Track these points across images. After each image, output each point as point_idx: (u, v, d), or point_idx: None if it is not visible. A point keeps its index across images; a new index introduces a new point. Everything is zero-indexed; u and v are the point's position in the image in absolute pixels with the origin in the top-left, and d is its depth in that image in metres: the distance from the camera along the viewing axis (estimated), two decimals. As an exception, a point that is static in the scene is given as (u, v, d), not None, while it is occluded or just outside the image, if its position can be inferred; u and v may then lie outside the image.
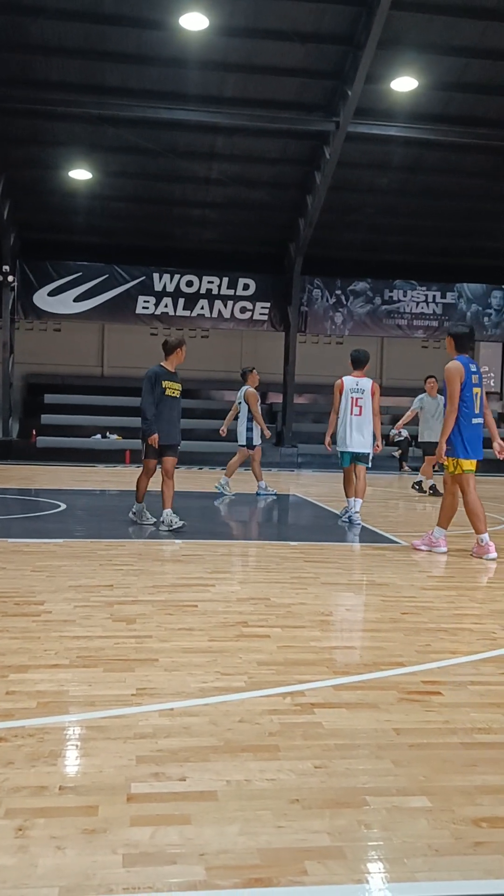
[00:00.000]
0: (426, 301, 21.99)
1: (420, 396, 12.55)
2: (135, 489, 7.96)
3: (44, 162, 18.19)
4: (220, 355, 23.28)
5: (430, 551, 6.74)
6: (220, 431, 12.32)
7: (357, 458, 8.65)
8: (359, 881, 1.84)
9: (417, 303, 21.95)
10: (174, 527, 7.47)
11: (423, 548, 6.77)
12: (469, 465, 6.59)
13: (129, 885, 1.79)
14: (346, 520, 8.67)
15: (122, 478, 15.38)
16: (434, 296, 22.00)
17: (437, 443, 11.43)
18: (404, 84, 15.72)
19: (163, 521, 7.57)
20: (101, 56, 15.34)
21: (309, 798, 2.23)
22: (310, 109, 16.63)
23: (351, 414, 8.56)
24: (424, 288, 21.94)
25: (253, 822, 2.09)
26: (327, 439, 8.96)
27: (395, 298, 21.80)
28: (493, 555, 6.50)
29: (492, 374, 24.80)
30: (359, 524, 8.45)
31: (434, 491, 12.28)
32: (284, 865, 1.88)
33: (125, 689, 3.08)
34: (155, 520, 7.71)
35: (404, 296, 21.88)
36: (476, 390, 6.60)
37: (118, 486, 13.29)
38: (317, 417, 22.91)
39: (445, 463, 6.69)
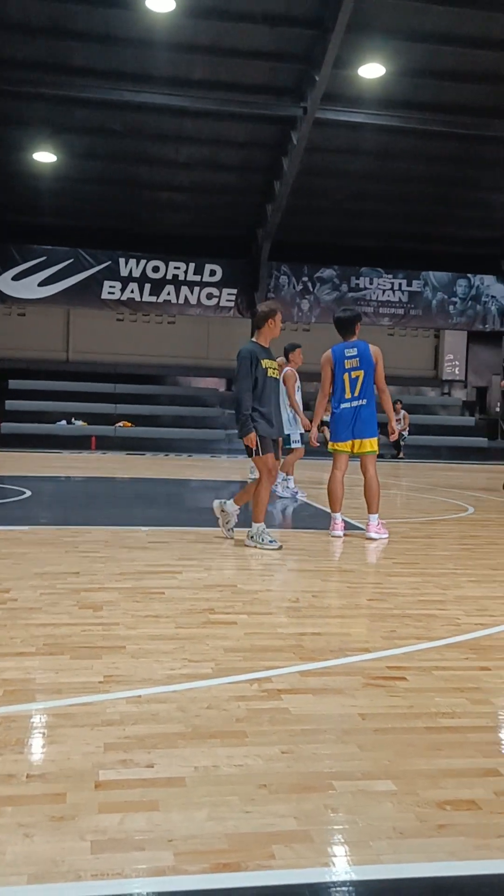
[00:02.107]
0: (392, 289, 22.12)
1: None
2: (252, 503, 6.26)
3: (7, 143, 17.92)
4: (187, 342, 23.21)
5: (381, 538, 6.79)
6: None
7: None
8: (325, 864, 1.86)
9: (384, 290, 22.06)
10: (269, 546, 6.11)
11: (374, 535, 6.82)
12: (334, 445, 6.89)
13: (98, 871, 1.80)
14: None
15: (88, 464, 15.30)
16: (400, 283, 22.13)
17: None
18: (372, 70, 15.72)
19: (252, 537, 6.23)
20: (67, 35, 15.12)
21: (276, 783, 2.25)
22: (278, 94, 16.56)
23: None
24: (391, 276, 22.06)
25: (221, 807, 2.11)
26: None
27: (361, 286, 21.89)
28: (338, 533, 6.77)
29: (457, 363, 25.04)
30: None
31: None
32: (252, 850, 1.90)
33: (92, 676, 3.07)
34: (280, 544, 6.14)
35: (371, 283, 21.97)
36: (355, 374, 6.73)
37: (84, 473, 13.22)
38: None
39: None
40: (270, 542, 6.12)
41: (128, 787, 2.20)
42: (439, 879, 1.83)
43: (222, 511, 6.48)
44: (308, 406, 10.27)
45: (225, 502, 6.47)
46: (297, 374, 9.76)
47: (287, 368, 9.63)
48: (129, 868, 1.82)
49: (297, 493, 9.95)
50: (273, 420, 6.16)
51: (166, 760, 2.37)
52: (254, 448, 6.09)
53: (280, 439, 5.98)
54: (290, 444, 9.71)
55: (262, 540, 6.14)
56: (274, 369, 6.22)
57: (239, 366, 6.09)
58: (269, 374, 6.12)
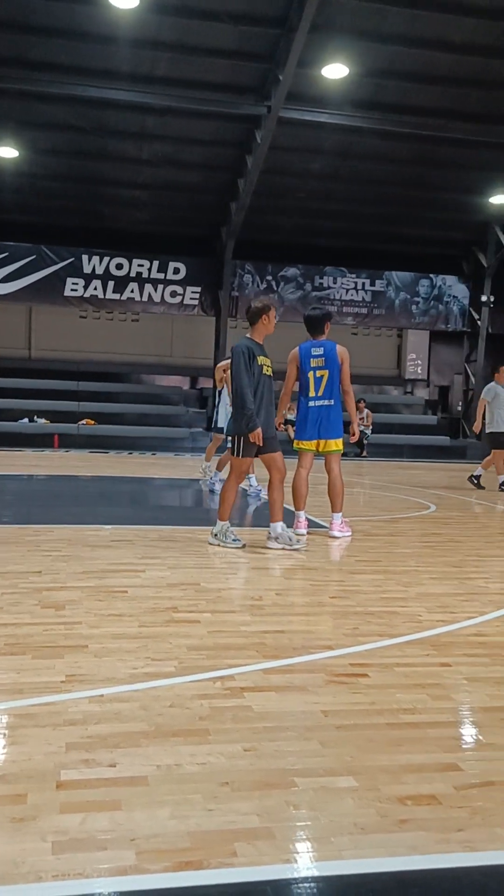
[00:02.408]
0: (356, 288, 22.24)
1: (489, 386, 11.84)
2: (219, 501, 6.25)
3: (-32, 137, 17.66)
4: (150, 339, 23.11)
5: (344, 536, 6.83)
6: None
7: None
8: (287, 861, 1.87)
9: (347, 290, 22.17)
10: (295, 545, 6.09)
11: (337, 534, 6.86)
12: (299, 444, 6.93)
13: (59, 871, 1.79)
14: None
15: (50, 462, 15.16)
16: (364, 283, 22.26)
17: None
18: (336, 71, 15.78)
19: (276, 538, 6.12)
20: (29, 30, 14.93)
21: (238, 780, 2.26)
22: (242, 92, 16.55)
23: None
24: (354, 275, 22.18)
25: (183, 805, 2.11)
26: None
27: (325, 285, 21.98)
28: (301, 531, 6.77)
29: (419, 362, 25.27)
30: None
31: (478, 482, 11.86)
32: (214, 847, 1.91)
33: (54, 675, 3.05)
34: (243, 543, 6.13)
35: (334, 283, 22.07)
36: (320, 373, 6.77)
37: (47, 471, 13.11)
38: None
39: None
40: (234, 540, 6.11)
41: (90, 787, 2.19)
42: (401, 874, 1.85)
43: (215, 535, 6.18)
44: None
45: (213, 528, 6.23)
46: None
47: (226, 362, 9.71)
48: (91, 868, 1.81)
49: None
50: (268, 418, 6.09)
51: (129, 759, 2.36)
52: (236, 447, 6.06)
53: (256, 437, 5.90)
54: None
55: (226, 538, 6.10)
56: (269, 366, 6.17)
57: (236, 362, 5.99)
58: (263, 372, 6.06)
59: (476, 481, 11.88)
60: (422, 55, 15.68)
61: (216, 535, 6.15)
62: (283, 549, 6.05)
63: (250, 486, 10.01)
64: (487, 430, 11.88)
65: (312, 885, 1.79)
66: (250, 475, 9.98)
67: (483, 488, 11.70)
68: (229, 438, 6.18)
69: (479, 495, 11.05)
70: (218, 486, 9.91)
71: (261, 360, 6.06)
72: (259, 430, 5.92)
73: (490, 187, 19.81)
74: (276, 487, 6.17)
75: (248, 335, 6.22)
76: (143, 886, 1.76)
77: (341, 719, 2.74)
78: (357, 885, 1.81)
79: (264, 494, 9.82)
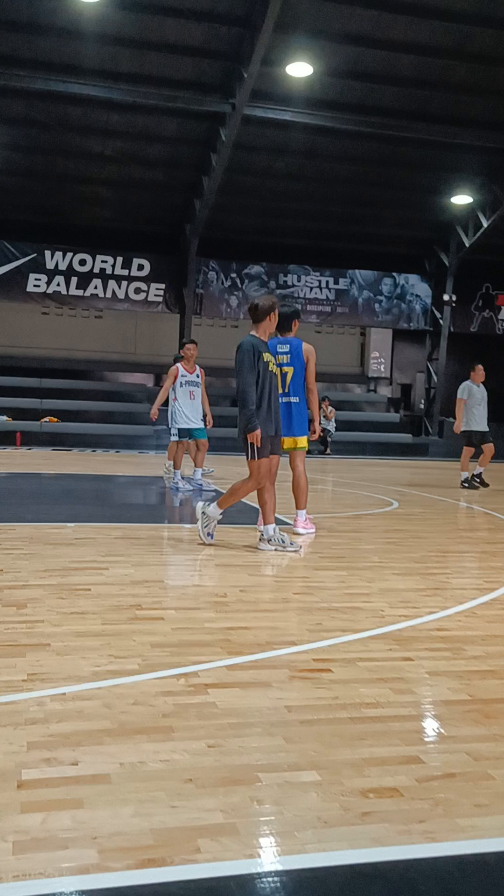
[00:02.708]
0: (319, 286, 22.32)
1: (464, 385, 11.95)
2: (259, 507, 6.08)
3: None
4: (114, 336, 22.96)
5: (308, 533, 6.85)
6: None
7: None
8: (250, 856, 1.87)
9: (311, 288, 22.25)
10: (289, 547, 5.99)
11: (301, 530, 6.87)
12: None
13: (20, 871, 1.77)
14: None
15: (12, 460, 15.00)
16: (327, 281, 22.35)
17: (484, 432, 11.81)
18: (300, 69, 15.82)
19: (268, 540, 6.03)
20: (-10, 22, 14.76)
21: (202, 777, 2.25)
22: (206, 90, 16.51)
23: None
24: (318, 273, 22.26)
25: (147, 803, 2.10)
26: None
27: (289, 283, 22.03)
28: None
29: (382, 360, 25.43)
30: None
31: (480, 480, 11.98)
32: (178, 844, 1.90)
33: (15, 674, 3.01)
34: (300, 546, 6.06)
35: (298, 280, 22.13)
36: (285, 370, 6.79)
37: (8, 469, 12.96)
38: (212, 400, 22.90)
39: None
40: (291, 544, 5.97)
41: (52, 786, 2.17)
42: (362, 866, 1.86)
43: (203, 514, 6.05)
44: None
45: (207, 504, 6.11)
46: (180, 370, 10.23)
47: (174, 365, 10.31)
48: (52, 867, 1.79)
49: (179, 483, 10.29)
50: (272, 417, 5.99)
51: (91, 758, 2.35)
52: (249, 450, 5.89)
53: (254, 438, 5.85)
54: (176, 437, 10.30)
55: (283, 542, 5.94)
56: (273, 364, 6.09)
57: (241, 359, 5.84)
58: (269, 369, 5.95)
59: (479, 481, 11.99)
60: (385, 56, 15.79)
61: (269, 540, 5.96)
62: (275, 550, 5.95)
63: (173, 479, 10.28)
64: (462, 429, 12.00)
65: (276, 879, 1.79)
66: (176, 470, 10.32)
67: (488, 485, 11.84)
68: (244, 442, 5.97)
69: (441, 493, 11.15)
70: (182, 485, 9.99)
71: (266, 356, 5.96)
72: (258, 431, 5.79)
73: (451, 188, 20.02)
74: (268, 490, 6.06)
75: (252, 332, 6.07)
76: (106, 885, 1.74)
77: (305, 714, 2.74)
78: (320, 878, 1.82)
79: (182, 484, 10.16)
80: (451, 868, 1.88)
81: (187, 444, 10.45)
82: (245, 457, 5.99)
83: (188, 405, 10.16)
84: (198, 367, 10.40)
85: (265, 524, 6.08)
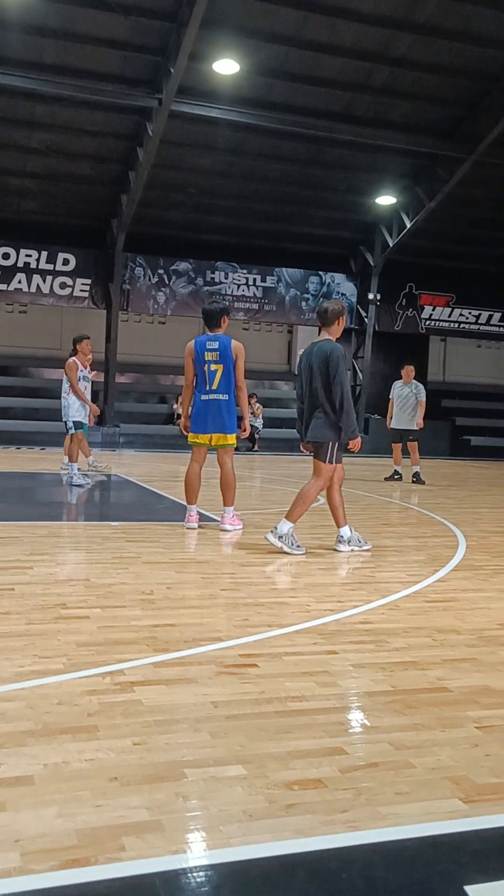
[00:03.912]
0: (247, 284, 22.36)
1: (395, 384, 12.63)
2: (297, 501, 6.05)
3: None
4: (39, 332, 22.55)
5: (235, 530, 6.88)
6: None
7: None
8: (176, 852, 1.88)
9: (238, 285, 22.26)
10: (364, 546, 6.14)
11: (228, 527, 6.90)
12: (193, 437, 6.94)
13: None
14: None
15: None
16: (255, 279, 22.40)
17: (410, 430, 12.29)
18: (227, 66, 15.80)
19: (347, 542, 6.13)
20: None
21: (128, 775, 2.25)
22: (133, 84, 16.35)
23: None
24: (245, 271, 22.29)
25: (71, 803, 2.08)
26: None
27: (216, 280, 22.00)
28: (193, 525, 6.86)
29: (309, 358, 25.64)
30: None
31: (417, 478, 12.21)
32: (102, 843, 1.89)
33: None
34: (305, 550, 5.98)
35: (226, 278, 22.13)
36: (213, 367, 6.82)
37: None
38: (139, 397, 22.77)
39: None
40: (297, 547, 5.92)
41: (-27, 790, 2.13)
42: (286, 857, 1.88)
43: (280, 538, 5.91)
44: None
45: (275, 529, 5.97)
46: (79, 364, 10.45)
47: (71, 359, 10.49)
48: (-26, 871, 1.76)
49: (85, 476, 10.62)
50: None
51: (14, 759, 2.31)
52: (329, 453, 5.91)
53: (356, 445, 6.01)
54: (73, 430, 10.45)
55: (291, 544, 5.89)
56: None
57: (338, 366, 5.79)
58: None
59: (415, 479, 12.30)
60: (311, 57, 15.89)
61: (281, 537, 5.90)
62: (352, 550, 6.07)
63: (71, 473, 10.24)
64: (390, 426, 12.70)
65: (201, 873, 1.80)
66: (72, 464, 10.33)
67: (424, 482, 12.14)
68: (324, 444, 5.94)
69: (367, 488, 11.33)
70: (77, 479, 10.13)
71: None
72: (359, 439, 5.94)
73: (376, 189, 20.32)
74: (337, 491, 6.20)
75: (326, 337, 6.03)
76: (28, 887, 1.72)
77: (231, 709, 2.76)
78: (244, 870, 1.84)
79: (78, 479, 10.14)
80: (372, 855, 1.92)
81: (80, 436, 10.63)
82: (318, 458, 5.97)
83: (81, 401, 10.52)
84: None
85: (341, 526, 6.16)
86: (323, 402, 5.87)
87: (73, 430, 10.49)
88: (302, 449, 6.29)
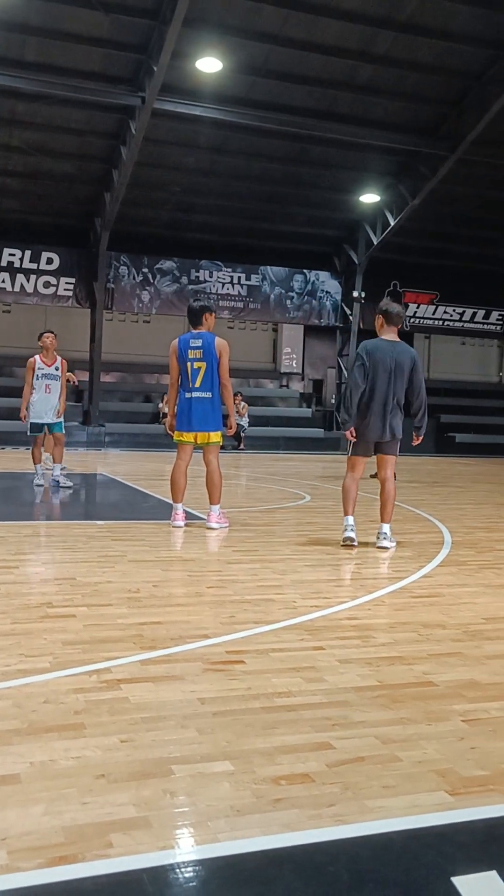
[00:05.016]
0: (231, 282, 22.35)
1: None
2: (342, 504, 6.34)
3: None
4: (23, 331, 22.42)
5: (222, 528, 6.88)
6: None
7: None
8: (163, 848, 1.88)
9: (223, 284, 22.25)
10: (390, 544, 6.23)
11: (215, 525, 6.89)
12: (178, 436, 6.93)
13: None
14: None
15: None
16: (239, 277, 22.40)
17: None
18: (209, 65, 15.78)
19: (386, 537, 6.22)
20: None
21: (115, 772, 2.24)
22: (115, 82, 16.31)
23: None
24: (230, 269, 22.28)
25: (58, 801, 2.08)
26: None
27: (201, 278, 21.98)
28: (179, 523, 6.84)
29: (294, 356, 25.67)
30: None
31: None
32: (89, 840, 1.89)
33: None
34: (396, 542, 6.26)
35: (210, 276, 22.11)
36: (197, 365, 6.81)
37: None
38: (124, 396, 22.71)
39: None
40: (391, 540, 6.21)
41: (-41, 789, 2.12)
42: (273, 851, 1.89)
43: (389, 541, 6.20)
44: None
45: (381, 535, 6.23)
46: (37, 360, 9.83)
47: (32, 357, 9.88)
48: (-40, 870, 1.75)
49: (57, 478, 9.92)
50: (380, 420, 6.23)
51: (0, 759, 2.30)
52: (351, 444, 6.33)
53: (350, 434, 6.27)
54: (52, 430, 9.83)
55: (392, 539, 6.22)
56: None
57: (418, 363, 6.21)
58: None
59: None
60: (293, 55, 15.90)
61: (386, 536, 6.18)
62: (388, 549, 6.13)
63: (54, 473, 9.85)
64: None
65: (188, 868, 1.80)
66: (37, 465, 9.91)
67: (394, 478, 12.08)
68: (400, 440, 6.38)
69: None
70: (63, 481, 9.76)
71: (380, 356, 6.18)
72: (351, 429, 6.17)
73: (359, 187, 20.35)
74: (356, 482, 6.41)
75: (396, 338, 6.25)
76: (15, 885, 1.72)
77: (218, 706, 2.76)
78: (232, 865, 1.84)
79: (64, 481, 9.77)
80: (358, 848, 1.93)
81: (43, 438, 9.97)
82: (390, 452, 6.34)
83: (41, 399, 9.70)
84: (59, 358, 9.95)
85: (383, 522, 6.30)
86: (400, 400, 6.18)
87: (28, 433, 9.91)
88: (347, 436, 6.37)
